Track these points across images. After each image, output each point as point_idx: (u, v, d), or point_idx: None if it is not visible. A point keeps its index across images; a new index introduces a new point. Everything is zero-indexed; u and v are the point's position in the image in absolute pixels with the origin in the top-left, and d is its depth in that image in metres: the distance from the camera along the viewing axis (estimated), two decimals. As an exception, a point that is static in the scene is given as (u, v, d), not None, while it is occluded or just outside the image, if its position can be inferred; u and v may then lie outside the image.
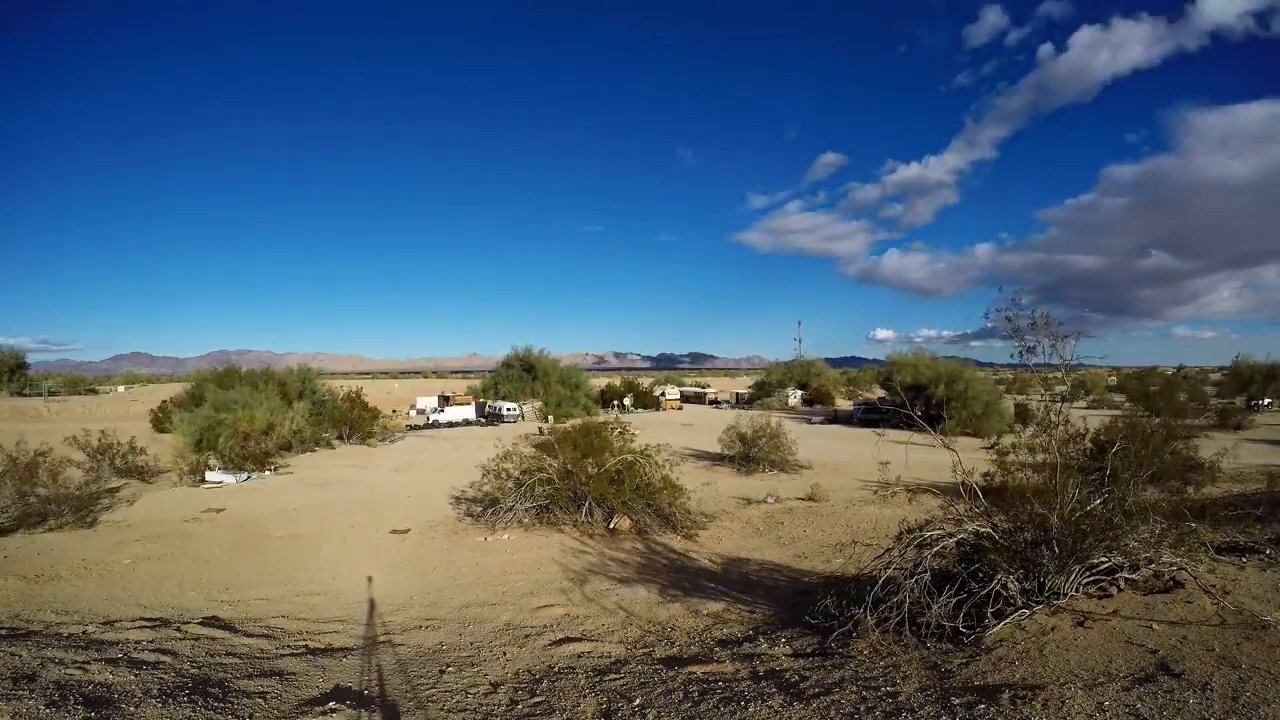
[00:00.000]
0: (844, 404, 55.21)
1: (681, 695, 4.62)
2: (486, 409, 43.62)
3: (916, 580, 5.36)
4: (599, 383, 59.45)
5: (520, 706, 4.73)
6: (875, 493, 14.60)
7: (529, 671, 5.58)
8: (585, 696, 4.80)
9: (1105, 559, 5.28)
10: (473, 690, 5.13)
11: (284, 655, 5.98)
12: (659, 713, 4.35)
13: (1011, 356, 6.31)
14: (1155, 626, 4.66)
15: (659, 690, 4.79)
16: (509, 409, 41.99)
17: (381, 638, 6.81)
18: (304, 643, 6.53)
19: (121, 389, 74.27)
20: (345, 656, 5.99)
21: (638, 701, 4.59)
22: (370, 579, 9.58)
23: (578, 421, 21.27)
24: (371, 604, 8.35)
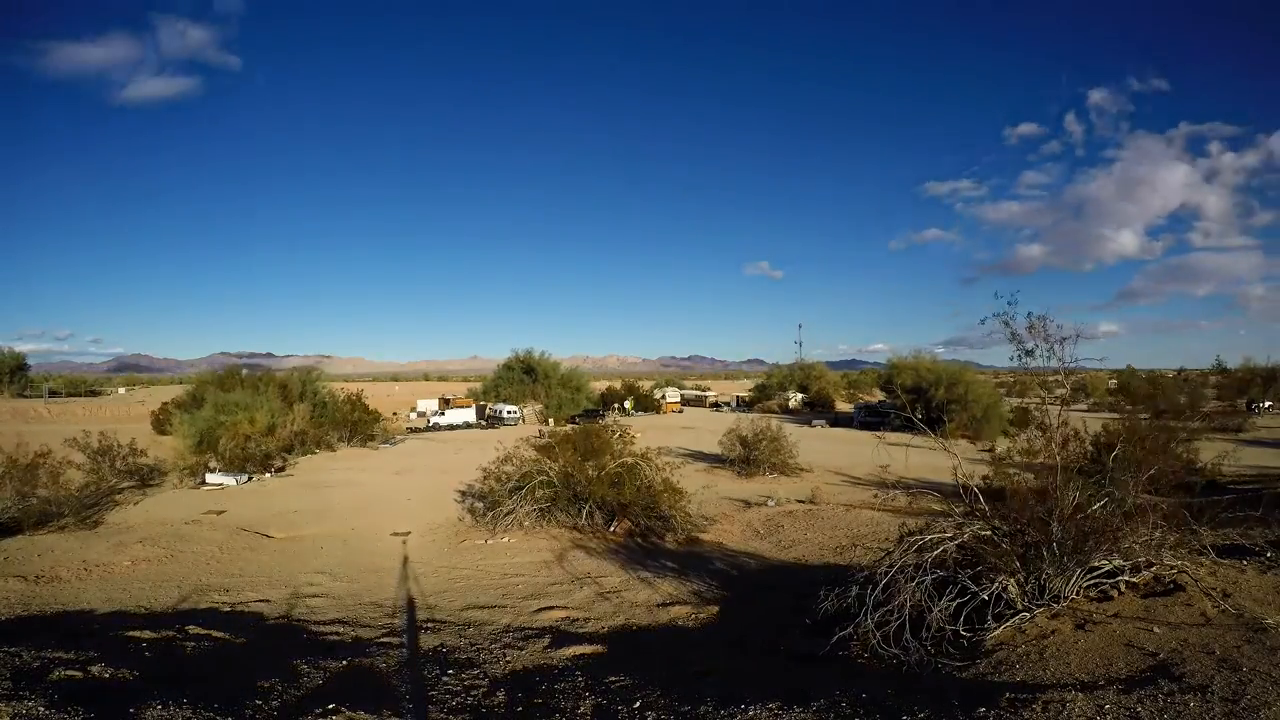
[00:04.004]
0: (844, 407, 55.19)
1: (680, 697, 4.62)
2: (487, 412, 43.60)
3: (917, 584, 5.36)
4: (600, 385, 59.48)
5: (520, 707, 4.73)
6: (875, 496, 14.59)
7: (529, 672, 5.59)
8: (585, 698, 4.80)
9: (1106, 561, 5.28)
10: (473, 690, 5.13)
11: (285, 656, 5.98)
12: (658, 714, 4.35)
13: (1010, 360, 6.31)
14: (1156, 629, 4.65)
15: (658, 691, 4.79)
16: (510, 412, 41.97)
17: (382, 639, 6.81)
18: (305, 644, 6.53)
19: (122, 391, 74.41)
20: (346, 657, 5.99)
21: (637, 703, 4.59)
22: (371, 581, 9.57)
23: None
24: (372, 606, 8.34)
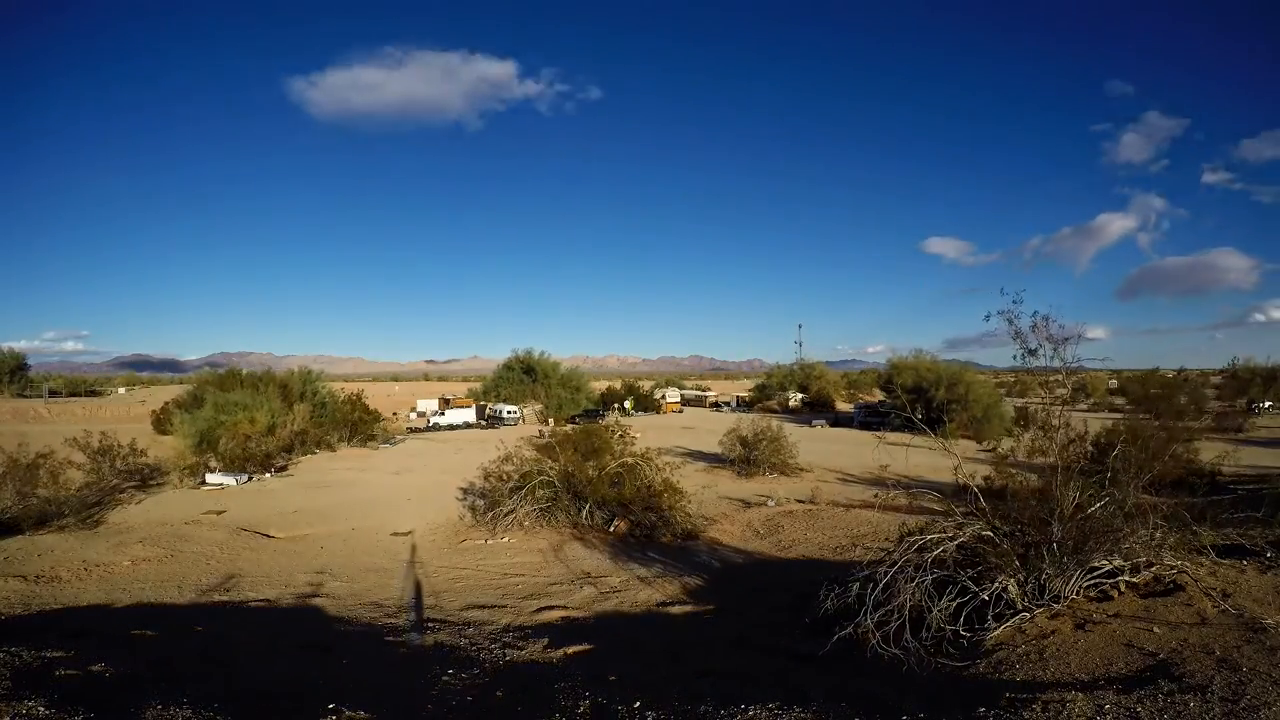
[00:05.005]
0: (845, 407, 55.16)
1: (680, 696, 4.62)
2: (487, 412, 43.59)
3: (917, 583, 5.36)
4: (600, 385, 59.50)
5: (520, 706, 4.73)
6: (875, 496, 14.60)
7: (529, 671, 5.58)
8: (584, 696, 4.79)
9: (1106, 561, 5.28)
10: (472, 690, 5.13)
11: (285, 656, 5.98)
12: (658, 713, 4.35)
13: (1014, 359, 6.31)
14: (1156, 629, 4.65)
15: (657, 691, 4.79)
16: (510, 412, 41.95)
17: (383, 638, 6.81)
18: (305, 643, 6.53)
19: (122, 390, 74.48)
20: (345, 657, 5.99)
21: (637, 702, 4.58)
22: (371, 581, 9.57)
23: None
24: (372, 606, 8.34)
